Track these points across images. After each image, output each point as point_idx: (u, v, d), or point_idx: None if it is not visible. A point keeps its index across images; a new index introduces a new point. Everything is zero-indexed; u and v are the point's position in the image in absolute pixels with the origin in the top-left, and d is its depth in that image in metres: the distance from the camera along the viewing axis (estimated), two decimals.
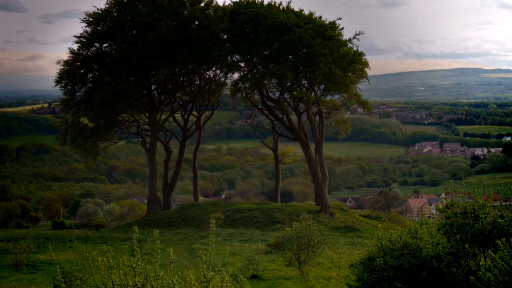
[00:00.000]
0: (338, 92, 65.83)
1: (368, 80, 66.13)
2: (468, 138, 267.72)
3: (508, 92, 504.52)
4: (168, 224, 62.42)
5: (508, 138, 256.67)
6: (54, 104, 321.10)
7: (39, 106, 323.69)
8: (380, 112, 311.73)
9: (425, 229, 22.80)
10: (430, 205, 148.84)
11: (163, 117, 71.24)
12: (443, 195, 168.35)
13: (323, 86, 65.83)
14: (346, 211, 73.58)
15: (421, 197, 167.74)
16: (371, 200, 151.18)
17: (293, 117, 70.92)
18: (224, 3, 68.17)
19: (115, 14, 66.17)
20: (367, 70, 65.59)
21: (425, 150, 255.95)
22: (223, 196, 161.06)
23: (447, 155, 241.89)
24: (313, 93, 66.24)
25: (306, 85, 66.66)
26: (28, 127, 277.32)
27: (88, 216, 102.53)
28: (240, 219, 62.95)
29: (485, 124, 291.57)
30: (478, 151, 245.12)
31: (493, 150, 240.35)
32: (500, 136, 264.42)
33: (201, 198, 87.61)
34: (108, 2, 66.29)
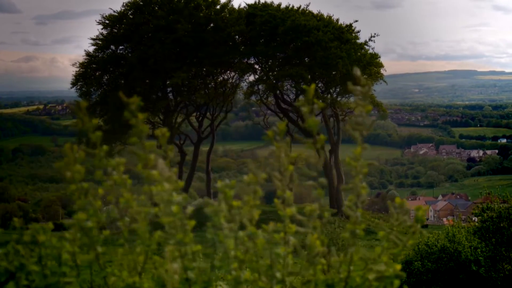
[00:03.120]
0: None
1: (385, 82, 66.56)
2: (463, 140, 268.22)
3: (503, 94, 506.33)
4: None
5: (504, 140, 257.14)
6: (49, 105, 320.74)
7: (35, 107, 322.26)
8: (375, 114, 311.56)
9: (463, 233, 22.90)
10: (428, 206, 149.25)
11: (178, 119, 71.23)
12: (440, 197, 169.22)
13: (339, 88, 66.13)
14: None
15: (419, 199, 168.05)
16: (369, 202, 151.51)
17: None
18: (239, 6, 68.43)
19: (131, 16, 66.24)
20: (382, 71, 66.16)
21: (421, 152, 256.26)
22: None
23: (443, 157, 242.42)
24: (329, 95, 66.52)
25: (322, 87, 66.94)
26: (24, 128, 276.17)
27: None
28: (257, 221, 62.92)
29: (481, 126, 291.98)
30: (474, 153, 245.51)
31: (489, 152, 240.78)
32: (495, 138, 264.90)
33: (199, 200, 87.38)
34: (124, 4, 66.56)
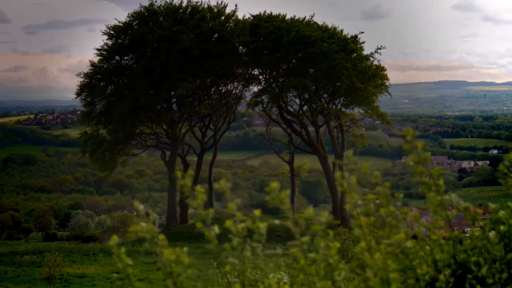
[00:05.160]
0: (359, 105, 66.37)
1: (390, 94, 66.87)
2: (454, 151, 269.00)
3: (493, 105, 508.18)
4: (188, 238, 62.20)
5: (495, 151, 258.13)
6: (40, 115, 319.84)
7: (25, 117, 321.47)
8: (366, 124, 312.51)
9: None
10: (421, 218, 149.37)
11: (182, 130, 71.18)
12: None
13: (343, 99, 66.40)
14: None
15: (411, 210, 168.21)
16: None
17: (310, 130, 71.14)
18: (244, 17, 68.62)
19: (136, 27, 66.28)
20: (387, 82, 66.53)
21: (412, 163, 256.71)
22: None
23: (434, 168, 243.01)
24: (333, 106, 66.73)
25: (327, 98, 67.20)
26: (15, 138, 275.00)
27: (80, 227, 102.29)
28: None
29: (472, 137, 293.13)
30: (465, 164, 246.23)
31: (480, 163, 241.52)
32: (486, 149, 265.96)
33: (191, 210, 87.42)
34: (129, 15, 66.69)
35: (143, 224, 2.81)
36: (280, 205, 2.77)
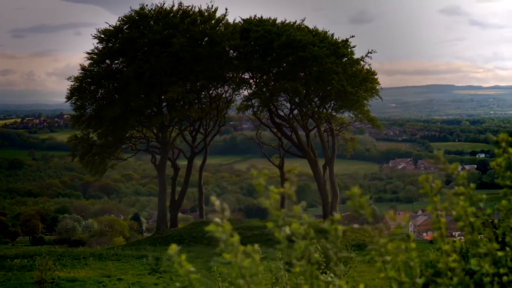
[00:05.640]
0: (350, 109, 66.49)
1: (381, 98, 67.02)
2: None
3: (480, 109, 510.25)
4: (179, 242, 62.01)
5: (482, 155, 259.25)
6: (27, 119, 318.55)
7: (12, 121, 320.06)
8: (354, 129, 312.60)
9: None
10: (408, 221, 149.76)
11: (172, 134, 71.11)
12: (420, 212, 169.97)
13: (334, 103, 66.52)
14: None
15: (398, 214, 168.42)
16: (348, 217, 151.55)
17: (301, 134, 71.16)
18: (234, 20, 68.64)
19: (127, 31, 66.21)
20: (377, 86, 66.69)
21: (399, 167, 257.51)
22: (197, 213, 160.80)
23: (421, 172, 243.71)
24: (324, 110, 66.84)
25: (318, 102, 67.30)
26: (1, 141, 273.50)
27: (67, 231, 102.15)
28: (251, 236, 62.68)
29: (459, 141, 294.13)
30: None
31: (467, 167, 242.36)
32: (474, 153, 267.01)
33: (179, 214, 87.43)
34: (120, 19, 66.61)
35: (217, 220, 2.79)
36: (360, 209, 2.77)
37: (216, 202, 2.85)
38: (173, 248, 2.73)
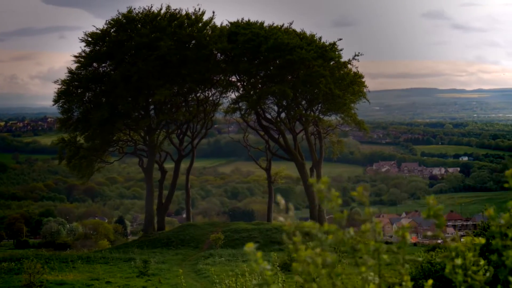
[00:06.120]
0: (337, 112, 66.69)
1: (368, 101, 67.29)
2: (425, 157, 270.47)
3: (463, 112, 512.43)
4: (166, 244, 62.13)
5: (465, 158, 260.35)
6: (10, 122, 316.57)
7: None
8: (339, 131, 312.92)
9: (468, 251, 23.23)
10: (392, 224, 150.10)
11: (160, 137, 71.08)
12: (404, 215, 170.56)
13: (321, 105, 66.74)
14: None
15: (382, 216, 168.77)
16: (333, 220, 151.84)
17: (288, 137, 71.32)
18: (221, 24, 68.71)
19: (114, 34, 66.16)
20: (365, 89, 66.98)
21: (383, 169, 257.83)
22: (184, 216, 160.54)
23: (405, 175, 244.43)
24: (311, 113, 67.02)
25: (305, 105, 67.48)
26: None
27: (52, 235, 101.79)
28: (239, 239, 62.80)
29: (442, 144, 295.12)
30: (436, 171, 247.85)
31: (450, 170, 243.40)
32: (457, 156, 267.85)
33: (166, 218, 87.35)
34: (107, 22, 66.53)
35: (281, 219, 2.89)
36: (435, 219, 2.87)
37: (282, 201, 2.94)
38: (250, 245, 2.75)
